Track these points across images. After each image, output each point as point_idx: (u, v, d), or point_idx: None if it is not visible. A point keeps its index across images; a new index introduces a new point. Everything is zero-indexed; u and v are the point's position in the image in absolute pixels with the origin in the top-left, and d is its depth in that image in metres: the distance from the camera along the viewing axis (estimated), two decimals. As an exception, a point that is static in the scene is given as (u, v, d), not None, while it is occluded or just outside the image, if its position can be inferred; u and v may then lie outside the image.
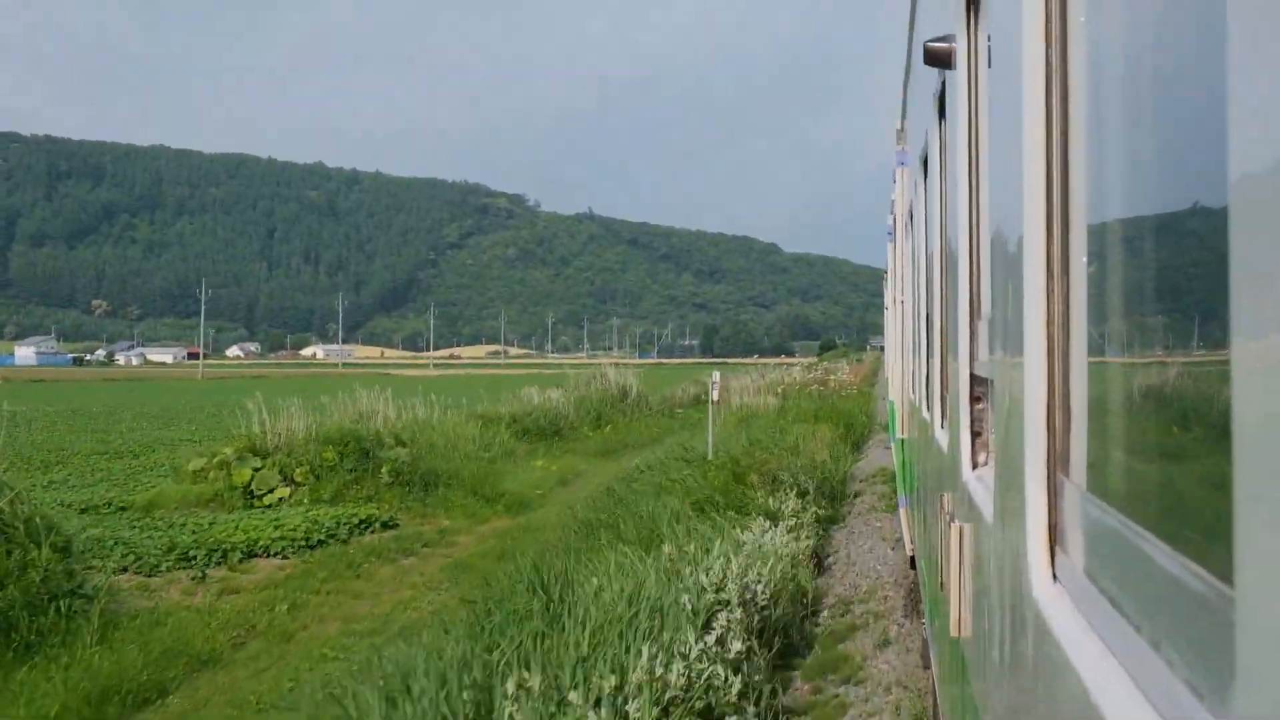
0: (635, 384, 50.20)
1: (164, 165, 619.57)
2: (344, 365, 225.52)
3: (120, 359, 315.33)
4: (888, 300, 24.15)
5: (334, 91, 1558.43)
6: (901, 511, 15.22)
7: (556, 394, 44.66)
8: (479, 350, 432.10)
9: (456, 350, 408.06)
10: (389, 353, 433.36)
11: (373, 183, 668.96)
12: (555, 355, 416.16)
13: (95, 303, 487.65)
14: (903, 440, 14.59)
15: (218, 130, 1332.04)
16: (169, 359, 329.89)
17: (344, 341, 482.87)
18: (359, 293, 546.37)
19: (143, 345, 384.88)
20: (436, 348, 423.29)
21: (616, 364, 57.60)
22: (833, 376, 57.41)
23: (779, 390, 50.71)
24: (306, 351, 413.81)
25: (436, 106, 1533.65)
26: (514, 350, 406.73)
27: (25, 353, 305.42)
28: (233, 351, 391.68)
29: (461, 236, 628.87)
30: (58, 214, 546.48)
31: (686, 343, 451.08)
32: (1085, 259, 2.22)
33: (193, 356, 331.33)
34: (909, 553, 12.73)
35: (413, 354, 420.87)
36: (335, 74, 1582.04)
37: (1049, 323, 2.37)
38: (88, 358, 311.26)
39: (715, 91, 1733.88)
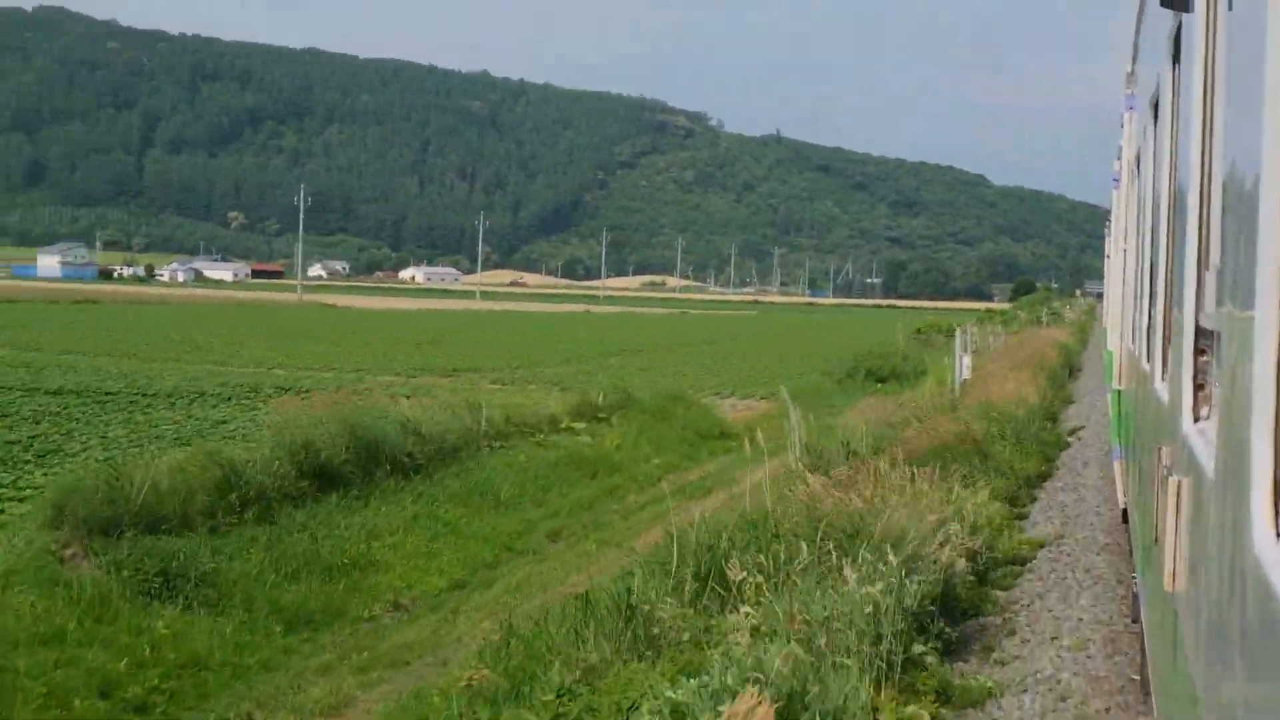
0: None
1: (315, 70, 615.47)
2: (296, 292, 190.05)
3: (164, 274, 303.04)
4: (1109, 248, 25.01)
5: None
6: (1115, 464, 16.11)
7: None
8: (634, 281, 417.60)
9: (604, 281, 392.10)
10: (533, 279, 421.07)
11: (540, 95, 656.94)
12: (719, 289, 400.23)
13: (231, 215, 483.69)
14: (1119, 391, 15.39)
15: (377, 34, 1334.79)
16: (228, 276, 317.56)
17: (498, 266, 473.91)
18: (517, 213, 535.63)
19: (225, 259, 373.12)
20: (601, 276, 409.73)
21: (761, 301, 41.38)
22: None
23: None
24: (405, 274, 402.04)
25: (615, 13, 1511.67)
26: (673, 281, 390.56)
27: (49, 262, 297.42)
28: (314, 271, 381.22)
29: (634, 156, 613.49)
30: (199, 118, 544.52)
31: (871, 280, 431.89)
32: None
33: (259, 274, 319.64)
34: (1121, 505, 14.14)
35: (570, 282, 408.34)
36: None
37: None
38: (125, 271, 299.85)
39: (927, 9, 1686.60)
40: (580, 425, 32.14)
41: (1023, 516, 18.04)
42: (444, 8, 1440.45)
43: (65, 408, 35.44)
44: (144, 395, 39.54)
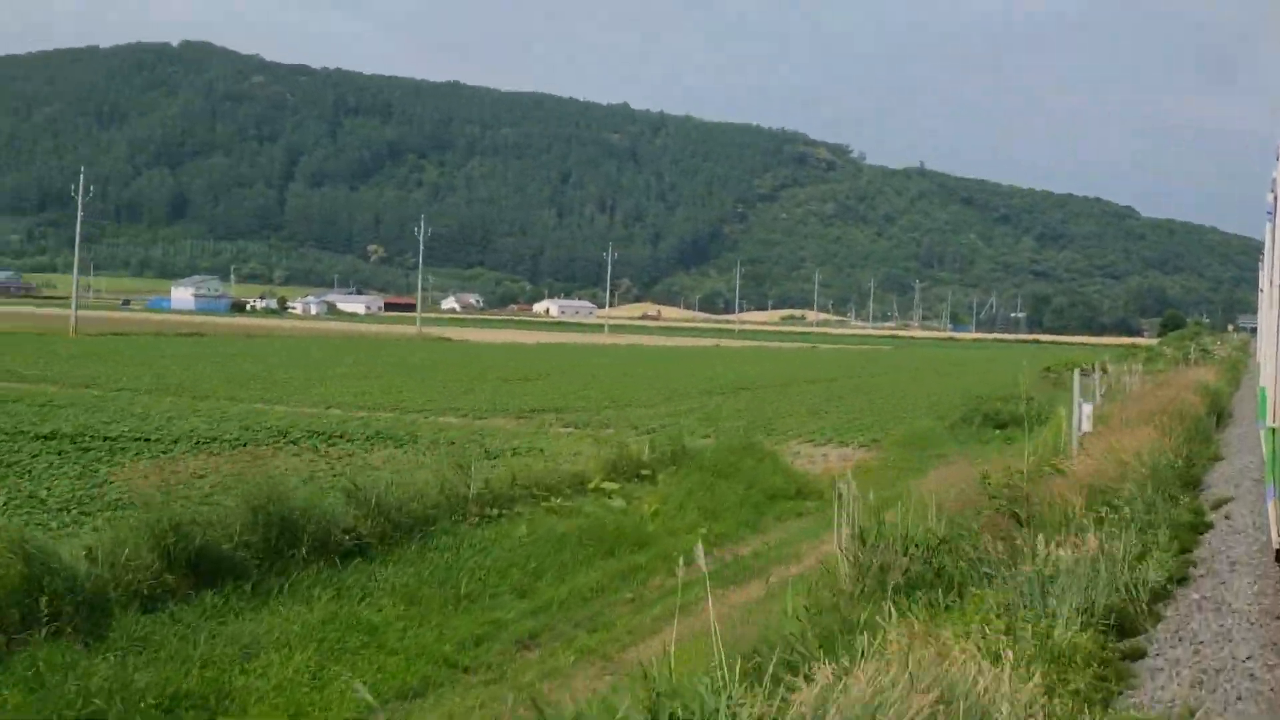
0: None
1: (455, 103, 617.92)
2: (415, 323, 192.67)
3: (297, 307, 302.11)
4: (1263, 282, 24.46)
5: (646, 26, 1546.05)
6: (1270, 503, 15.43)
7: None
8: (773, 315, 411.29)
9: (739, 315, 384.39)
10: (672, 312, 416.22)
11: (680, 127, 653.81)
12: (859, 323, 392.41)
13: (371, 248, 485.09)
14: (1274, 429, 14.99)
15: (518, 67, 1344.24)
16: (361, 309, 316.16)
17: (638, 299, 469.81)
18: (656, 246, 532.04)
19: (360, 291, 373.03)
20: (738, 310, 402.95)
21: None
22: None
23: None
24: (539, 307, 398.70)
25: (757, 46, 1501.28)
26: (812, 315, 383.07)
27: (183, 295, 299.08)
28: (448, 304, 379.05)
29: (775, 189, 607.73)
30: (341, 152, 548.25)
31: (1015, 314, 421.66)
32: None
33: (392, 307, 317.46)
34: (1275, 546, 13.78)
35: (706, 316, 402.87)
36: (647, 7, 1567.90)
37: None
38: (259, 304, 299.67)
39: (1074, 41, 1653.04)
40: (613, 486, 26.28)
41: (1135, 655, 12.14)
42: (584, 41, 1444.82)
43: (36, 455, 30.82)
44: (147, 441, 34.83)
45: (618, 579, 21.31)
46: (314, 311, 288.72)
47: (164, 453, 32.64)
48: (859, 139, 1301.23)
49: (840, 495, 16.44)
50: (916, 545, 15.67)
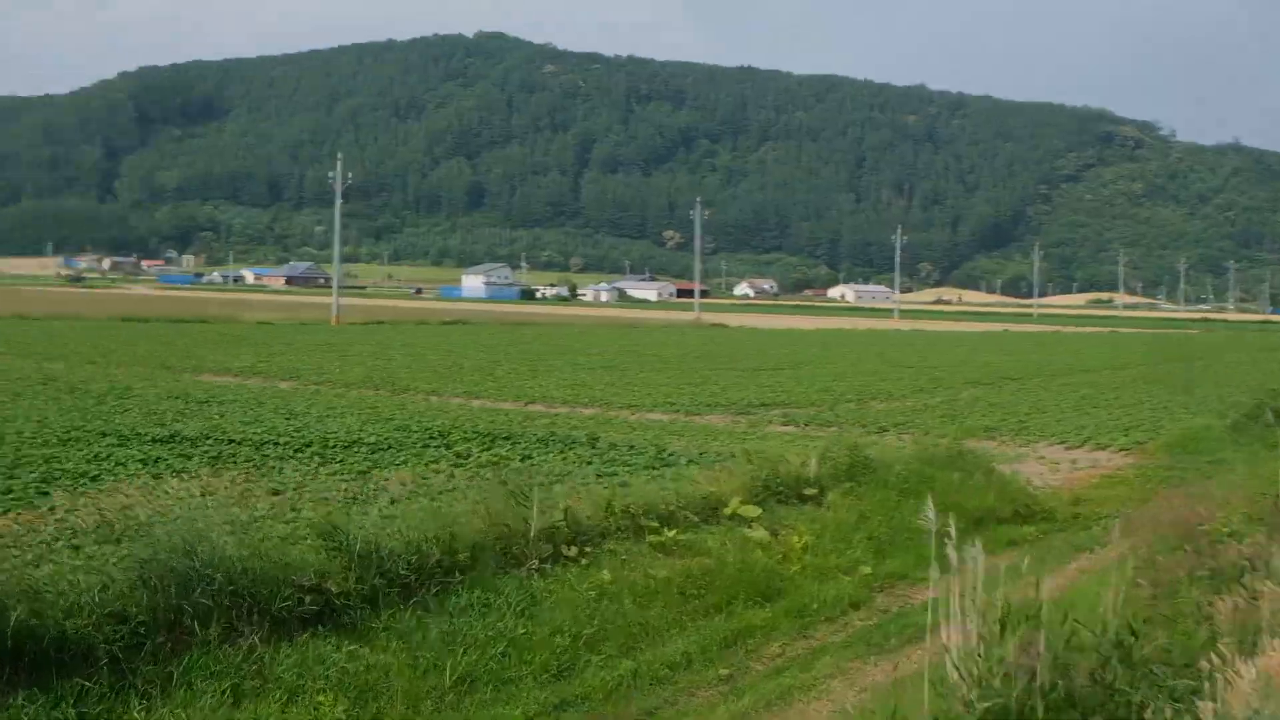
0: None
1: (748, 88, 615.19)
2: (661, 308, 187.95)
3: (588, 294, 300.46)
4: None
5: (941, 6, 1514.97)
6: None
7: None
8: (1079, 298, 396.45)
9: (1040, 299, 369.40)
10: (975, 297, 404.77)
11: (979, 107, 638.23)
12: (1170, 306, 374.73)
13: (667, 234, 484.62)
14: None
15: (811, 50, 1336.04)
16: (652, 295, 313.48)
17: (939, 283, 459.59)
18: (955, 229, 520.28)
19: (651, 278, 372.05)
20: (1039, 293, 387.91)
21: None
22: None
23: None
24: (834, 292, 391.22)
25: (1061, 22, 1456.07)
26: (1118, 298, 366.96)
27: (473, 283, 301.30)
28: (741, 289, 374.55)
29: (1079, 169, 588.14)
30: (633, 139, 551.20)
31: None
32: None
33: (684, 293, 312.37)
34: None
35: (1006, 300, 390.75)
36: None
37: None
38: (548, 291, 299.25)
39: None
40: (753, 511, 20.05)
41: None
42: (879, 22, 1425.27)
43: (122, 463, 26.32)
44: (274, 444, 30.21)
45: (719, 646, 14.91)
46: (604, 298, 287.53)
47: (278, 459, 28.05)
48: (1168, 115, 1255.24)
49: (955, 561, 10.35)
50: (1097, 636, 9.52)
